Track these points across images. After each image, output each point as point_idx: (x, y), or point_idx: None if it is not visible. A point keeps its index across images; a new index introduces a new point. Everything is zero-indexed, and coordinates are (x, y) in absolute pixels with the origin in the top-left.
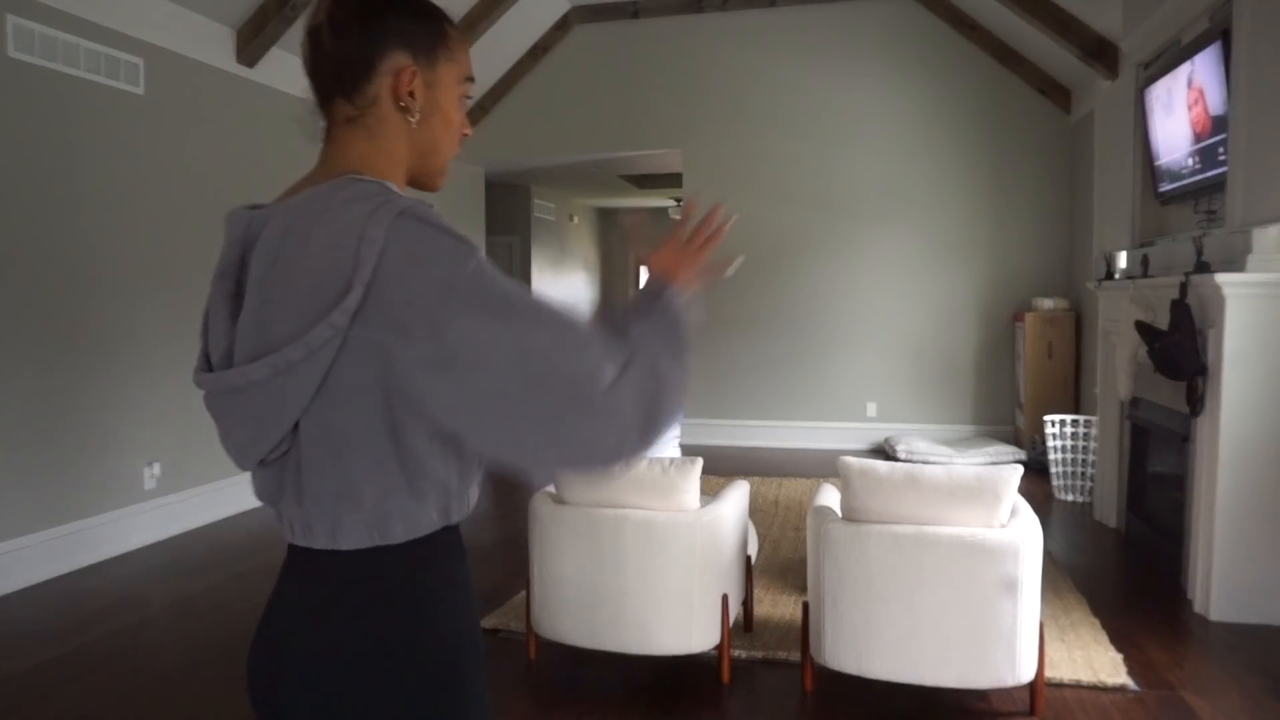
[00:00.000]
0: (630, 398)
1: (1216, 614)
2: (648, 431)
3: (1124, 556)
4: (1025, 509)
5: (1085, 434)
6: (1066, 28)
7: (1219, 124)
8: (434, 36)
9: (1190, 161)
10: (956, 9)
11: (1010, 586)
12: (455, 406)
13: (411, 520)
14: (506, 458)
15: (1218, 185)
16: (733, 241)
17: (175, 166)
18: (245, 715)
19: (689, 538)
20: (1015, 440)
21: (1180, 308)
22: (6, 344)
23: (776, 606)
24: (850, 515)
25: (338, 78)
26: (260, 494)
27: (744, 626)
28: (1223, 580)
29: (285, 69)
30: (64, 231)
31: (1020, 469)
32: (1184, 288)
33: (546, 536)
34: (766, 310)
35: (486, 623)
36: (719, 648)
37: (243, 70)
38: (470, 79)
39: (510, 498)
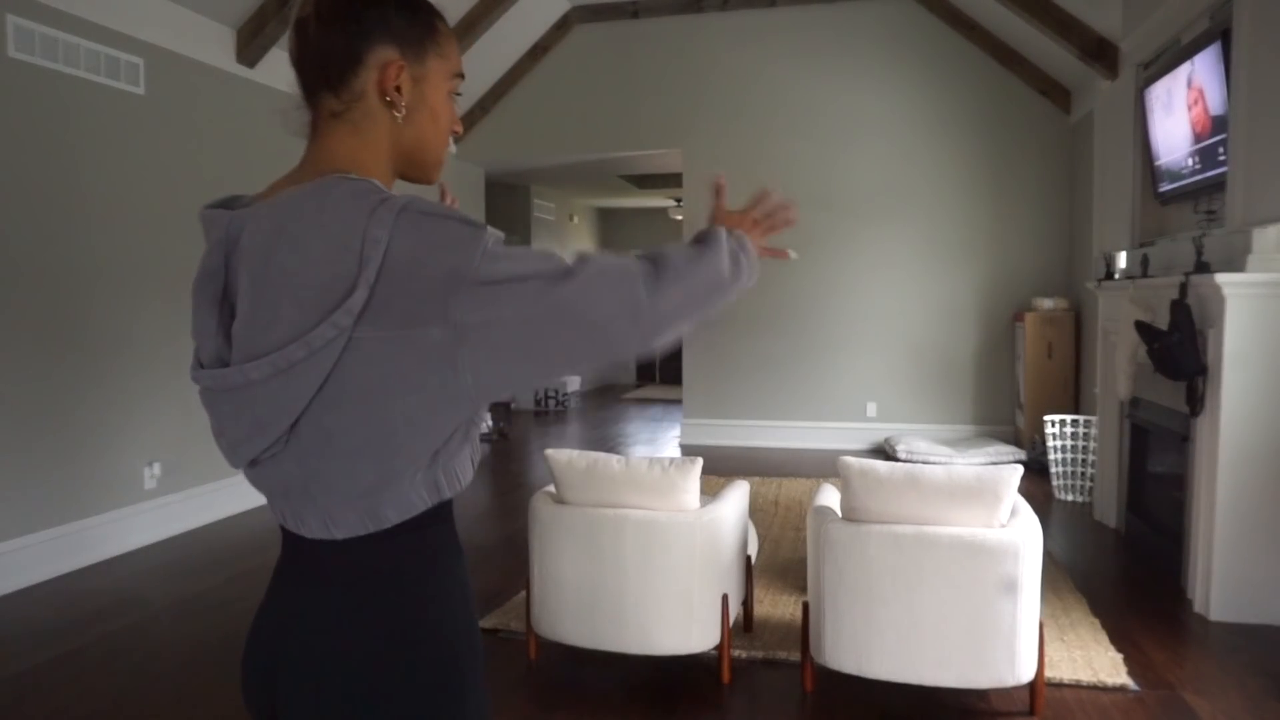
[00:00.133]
0: (662, 317)
1: (1216, 614)
2: (667, 329)
3: (1124, 556)
4: (1025, 509)
5: (1085, 434)
6: (1066, 28)
7: (1219, 124)
8: (423, 31)
9: (1190, 161)
10: (956, 9)
11: (1010, 586)
12: (486, 372)
13: (402, 502)
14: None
15: (1218, 185)
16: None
17: (175, 166)
18: (244, 715)
19: (689, 538)
20: (1015, 440)
21: (1180, 308)
22: (6, 344)
23: (776, 606)
24: (850, 515)
25: (323, 71)
26: (257, 486)
27: (744, 626)
28: (1223, 580)
29: (285, 69)
30: (64, 231)
31: (1020, 469)
32: (1184, 288)
33: (546, 536)
34: (766, 310)
35: (486, 623)
36: (719, 648)
37: (243, 70)
38: (460, 75)
39: (510, 497)
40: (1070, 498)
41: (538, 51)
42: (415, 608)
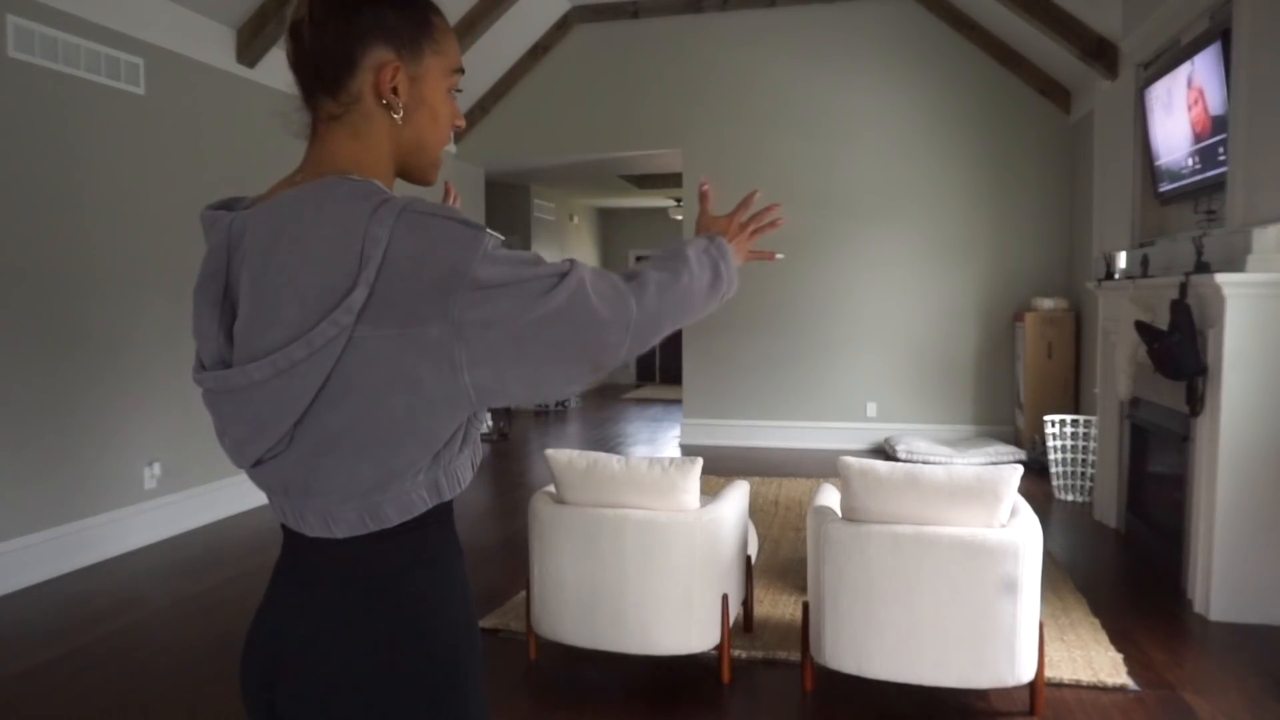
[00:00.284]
0: (648, 322)
1: (1216, 614)
2: (649, 345)
3: (1124, 556)
4: (1025, 509)
5: (1085, 434)
6: (1066, 28)
7: (1219, 124)
8: (418, 29)
9: (1190, 161)
10: (956, 9)
11: (1010, 586)
12: (483, 373)
13: (404, 501)
14: (526, 402)
15: (1218, 185)
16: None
17: (175, 166)
18: (245, 714)
19: (689, 538)
20: (1015, 440)
21: (1180, 308)
22: (6, 344)
23: (776, 606)
24: (850, 515)
25: (319, 74)
26: (258, 484)
27: (744, 626)
28: (1223, 580)
29: (285, 69)
30: (64, 231)
31: (1020, 469)
32: (1184, 288)
33: (546, 536)
34: (766, 310)
35: (486, 623)
36: (719, 648)
37: (243, 70)
38: (459, 71)
39: (510, 497)
40: (1070, 498)
41: (538, 51)
42: (415, 607)
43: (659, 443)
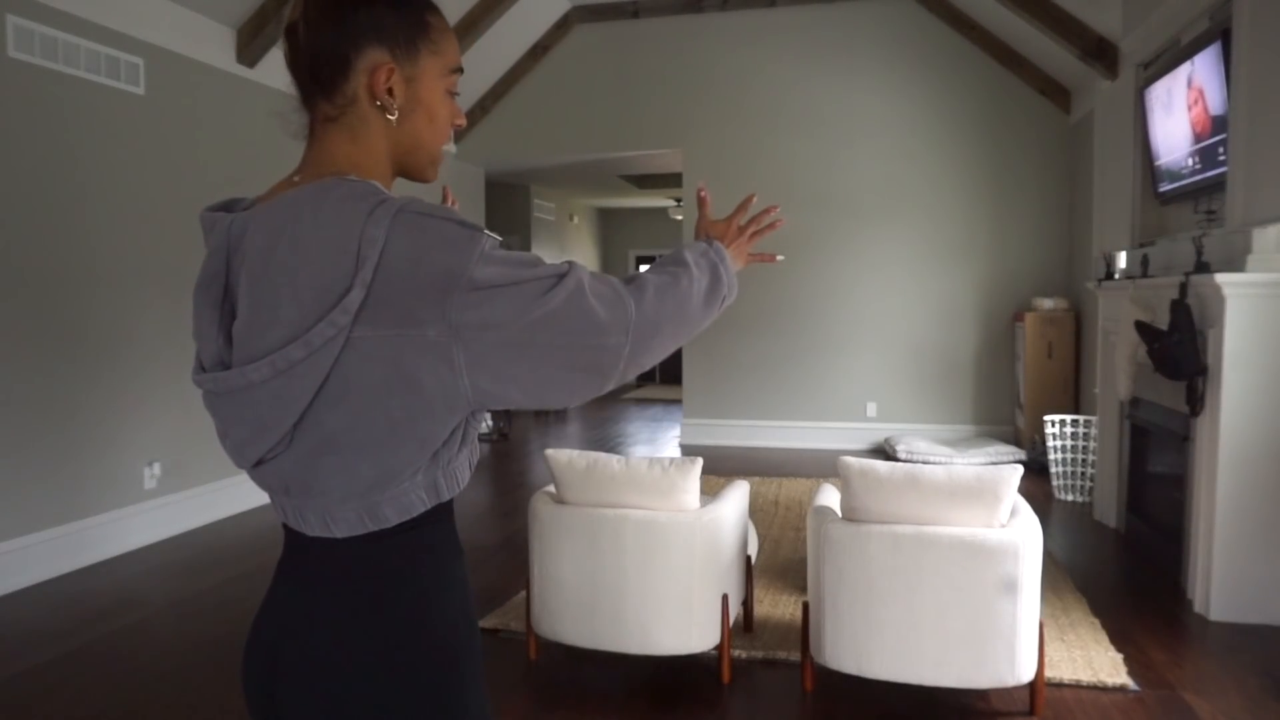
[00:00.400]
0: (647, 325)
1: (1216, 614)
2: (651, 353)
3: (1124, 556)
4: (1025, 509)
5: (1085, 434)
6: (1066, 28)
7: (1219, 124)
8: (413, 29)
9: (1190, 161)
10: (956, 9)
11: (1010, 586)
12: (482, 375)
13: (402, 501)
14: (528, 406)
15: (1218, 185)
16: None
17: (176, 166)
18: (245, 715)
19: (689, 538)
20: (1015, 440)
21: (1180, 308)
22: (6, 344)
23: (776, 606)
24: (850, 515)
25: (314, 77)
26: (259, 484)
27: (744, 626)
28: (1223, 580)
29: (285, 70)
30: (64, 231)
31: (1020, 469)
32: (1184, 288)
33: (546, 536)
34: (766, 310)
35: (486, 623)
36: (719, 648)
37: (243, 70)
38: (458, 70)
39: (510, 497)
40: (1070, 498)
41: (538, 51)
42: (414, 607)
43: (659, 443)
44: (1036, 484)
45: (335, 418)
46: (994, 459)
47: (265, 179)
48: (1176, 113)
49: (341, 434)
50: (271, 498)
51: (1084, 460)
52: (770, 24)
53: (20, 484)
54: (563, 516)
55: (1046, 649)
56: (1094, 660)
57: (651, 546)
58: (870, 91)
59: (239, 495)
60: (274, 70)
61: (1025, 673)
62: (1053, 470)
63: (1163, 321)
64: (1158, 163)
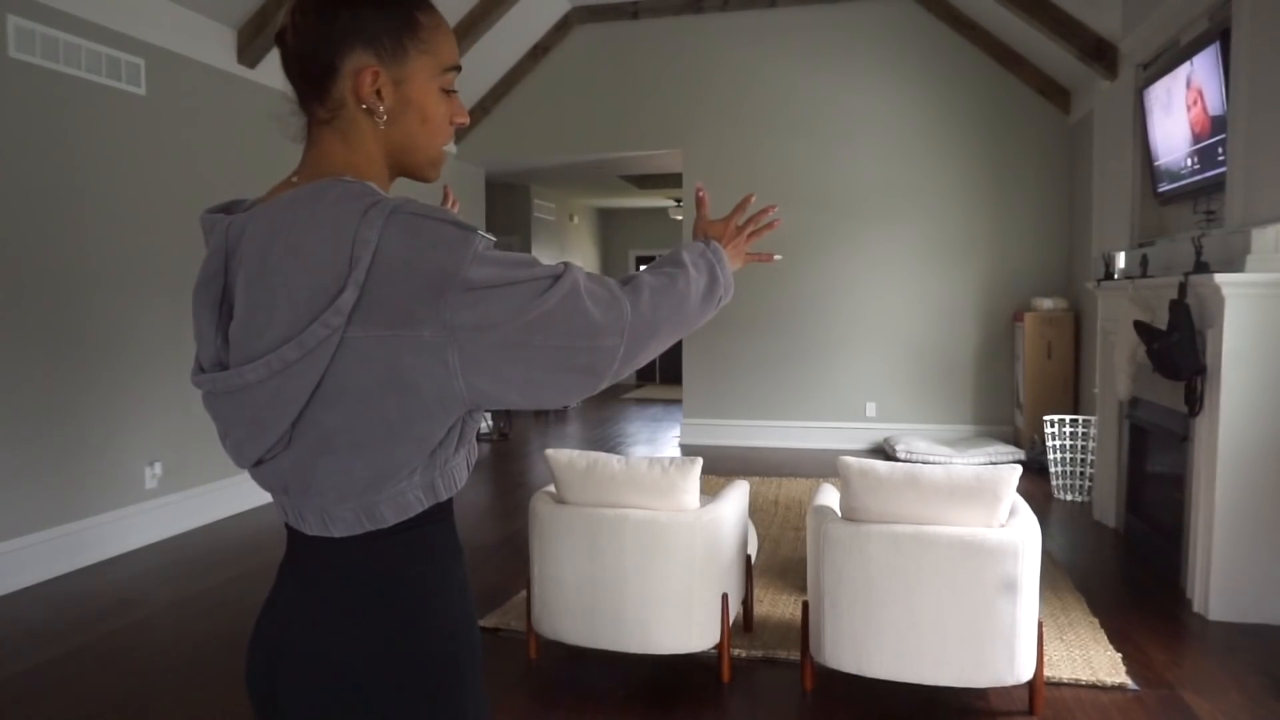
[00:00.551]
0: (643, 326)
1: (1215, 613)
2: (646, 353)
3: (1123, 556)
4: (1024, 509)
5: (1084, 434)
6: (1066, 28)
7: (1218, 124)
8: (400, 29)
9: (1189, 162)
10: (956, 10)
11: (1009, 586)
12: (477, 376)
13: (400, 501)
14: (523, 407)
15: (1217, 185)
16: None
17: (177, 167)
18: (246, 715)
19: (689, 538)
20: (1015, 440)
21: (1179, 308)
22: (7, 343)
23: (776, 606)
24: (850, 515)
25: (305, 81)
26: (259, 483)
27: (744, 626)
28: (1222, 580)
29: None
30: (65, 232)
31: (1019, 469)
32: (1183, 288)
33: (546, 536)
34: (766, 310)
35: (487, 622)
36: (719, 647)
37: (244, 70)
38: (453, 68)
39: (510, 497)
40: (1069, 498)
41: (538, 52)
42: (413, 607)
43: (659, 443)
44: (1036, 484)
45: (332, 418)
46: (993, 459)
47: (266, 180)
48: (1176, 113)
49: (338, 434)
50: (273, 497)
51: (1083, 460)
52: (770, 24)
53: (21, 484)
54: (563, 516)
55: (1046, 648)
56: (1093, 660)
57: (651, 546)
58: (870, 92)
59: (240, 495)
60: (275, 71)
61: (1024, 672)
62: (1052, 470)
63: (1162, 321)
64: (1157, 163)
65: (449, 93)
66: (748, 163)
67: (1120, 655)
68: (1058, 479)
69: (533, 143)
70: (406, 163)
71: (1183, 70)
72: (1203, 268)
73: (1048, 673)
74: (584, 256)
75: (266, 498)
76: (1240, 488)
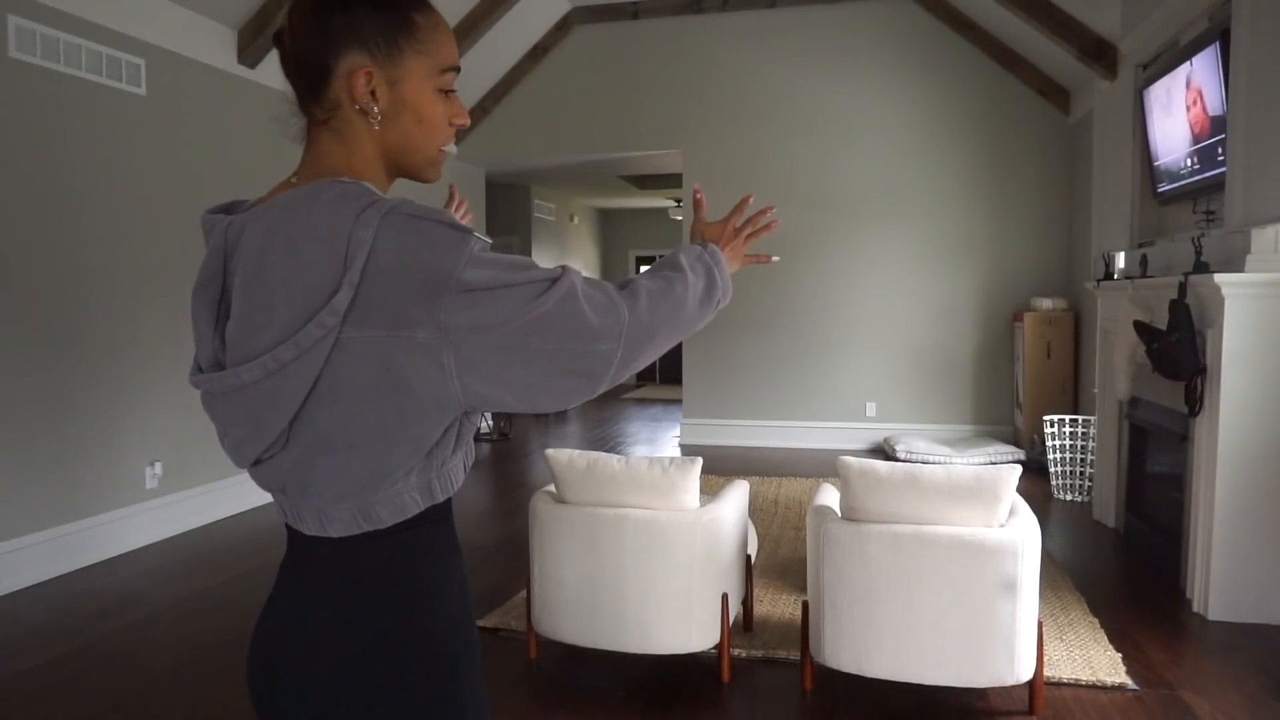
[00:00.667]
0: (641, 330)
1: (1215, 613)
2: (643, 357)
3: (1123, 556)
4: (1024, 509)
5: (1084, 434)
6: (1065, 29)
7: (1218, 124)
8: (395, 30)
9: (1189, 162)
10: (956, 10)
11: (1009, 586)
12: (472, 378)
13: (396, 502)
14: (520, 410)
15: (1216, 185)
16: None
17: (177, 167)
18: (246, 715)
19: (689, 538)
20: (1014, 440)
21: (1179, 308)
22: (7, 344)
23: (776, 606)
24: (850, 515)
25: (302, 83)
26: (258, 483)
27: (744, 626)
28: (1222, 580)
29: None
30: (65, 232)
31: (1019, 469)
32: (1183, 288)
33: (546, 536)
34: (766, 310)
35: (487, 622)
36: (719, 647)
37: (244, 71)
38: (451, 68)
39: (510, 497)
40: (1069, 497)
41: (538, 52)
42: (411, 607)
43: (659, 443)
44: (1036, 484)
45: (328, 418)
46: (993, 459)
47: (266, 180)
48: (1175, 113)
49: (335, 434)
50: (272, 496)
51: (1083, 460)
52: (770, 24)
53: (21, 483)
54: (563, 516)
55: (1045, 648)
56: (1093, 659)
57: (651, 546)
58: (870, 92)
59: (240, 495)
60: (275, 71)
61: (1024, 672)
62: (1052, 470)
63: (1162, 321)
64: (1157, 163)
65: (448, 93)
66: (747, 163)
67: (1120, 655)
68: (1057, 479)
69: (533, 143)
70: (404, 163)
71: (1182, 70)
72: (1202, 268)
73: (1048, 673)
74: (584, 257)
75: (266, 498)
76: (1240, 488)
